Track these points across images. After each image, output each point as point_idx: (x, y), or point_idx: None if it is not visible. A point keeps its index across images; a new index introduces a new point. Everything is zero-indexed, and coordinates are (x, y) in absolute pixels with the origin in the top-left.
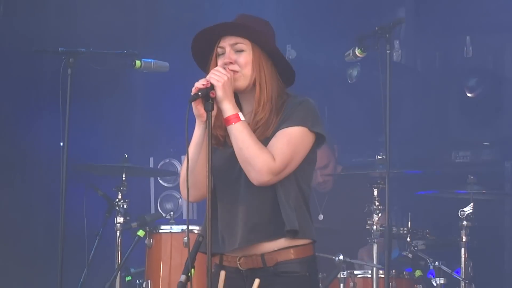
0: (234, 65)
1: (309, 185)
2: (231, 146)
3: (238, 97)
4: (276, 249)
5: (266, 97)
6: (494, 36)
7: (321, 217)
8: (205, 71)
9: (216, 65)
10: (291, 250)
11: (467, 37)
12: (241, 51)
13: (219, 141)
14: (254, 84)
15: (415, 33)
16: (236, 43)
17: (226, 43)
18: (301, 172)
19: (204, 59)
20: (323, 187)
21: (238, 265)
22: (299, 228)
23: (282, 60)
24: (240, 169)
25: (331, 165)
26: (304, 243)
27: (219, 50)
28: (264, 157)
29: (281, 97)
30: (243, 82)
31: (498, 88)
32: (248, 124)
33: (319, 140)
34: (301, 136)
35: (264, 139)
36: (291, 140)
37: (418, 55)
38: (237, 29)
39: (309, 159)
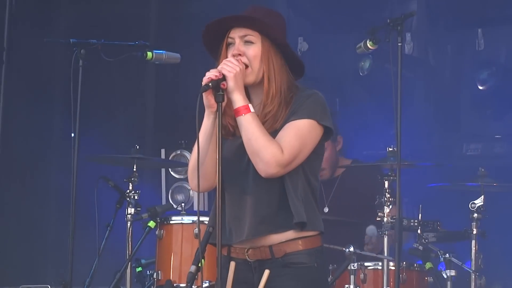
0: (243, 57)
1: (316, 177)
2: (240, 137)
3: (247, 89)
4: (284, 240)
5: (275, 90)
6: (506, 29)
7: (326, 209)
8: (216, 60)
9: (226, 55)
10: (299, 241)
11: (479, 30)
12: (250, 43)
13: (229, 131)
14: (262, 78)
15: (426, 26)
16: (246, 35)
17: (236, 34)
18: (309, 165)
19: (215, 48)
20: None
21: (247, 256)
22: (307, 220)
23: (291, 53)
24: (249, 160)
25: (327, 153)
26: (312, 234)
27: (229, 40)
28: (273, 149)
29: (291, 90)
30: (251, 77)
31: (509, 81)
32: (257, 116)
33: (327, 133)
34: (309, 129)
35: (273, 132)
36: (300, 132)
37: (429, 47)
38: (247, 21)
39: (317, 152)
